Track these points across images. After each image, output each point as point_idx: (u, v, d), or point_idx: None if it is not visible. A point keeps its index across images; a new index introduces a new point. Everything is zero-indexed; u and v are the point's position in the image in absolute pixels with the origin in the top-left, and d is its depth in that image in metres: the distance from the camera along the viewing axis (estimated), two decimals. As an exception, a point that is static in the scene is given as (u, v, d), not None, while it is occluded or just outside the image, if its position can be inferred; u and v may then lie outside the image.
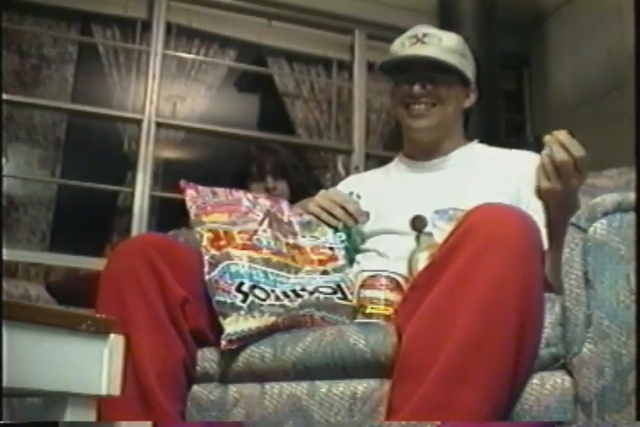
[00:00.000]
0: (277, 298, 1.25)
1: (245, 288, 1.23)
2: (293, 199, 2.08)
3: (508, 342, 0.99)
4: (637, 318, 0.98)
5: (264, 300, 1.23)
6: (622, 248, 1.02)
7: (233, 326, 1.19)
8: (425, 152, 1.57)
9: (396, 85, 1.55)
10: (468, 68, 1.54)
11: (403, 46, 1.53)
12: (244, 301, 1.21)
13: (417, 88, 1.49)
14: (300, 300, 1.27)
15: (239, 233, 1.33)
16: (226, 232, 1.33)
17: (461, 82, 1.53)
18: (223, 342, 1.19)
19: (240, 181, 2.19)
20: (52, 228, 3.54)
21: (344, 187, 1.64)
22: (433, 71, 1.49)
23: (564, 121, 3.94)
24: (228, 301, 1.22)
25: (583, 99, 3.87)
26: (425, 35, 1.51)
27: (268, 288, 1.25)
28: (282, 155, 2.28)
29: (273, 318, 1.22)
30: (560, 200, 1.19)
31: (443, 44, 1.50)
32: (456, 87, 1.52)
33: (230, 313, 1.20)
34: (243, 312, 1.20)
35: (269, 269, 1.29)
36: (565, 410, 1.01)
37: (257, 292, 1.23)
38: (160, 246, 1.29)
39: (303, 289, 1.29)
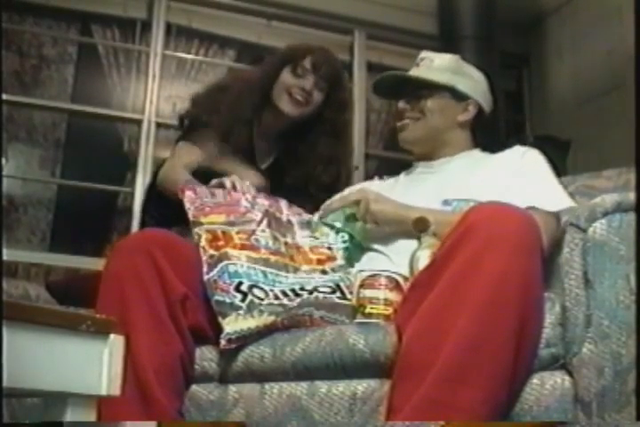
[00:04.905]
0: (276, 297, 1.25)
1: (244, 288, 1.23)
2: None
3: (508, 341, 0.99)
4: (637, 318, 0.98)
5: (263, 299, 1.23)
6: (622, 248, 1.02)
7: (232, 325, 1.19)
8: (426, 159, 1.63)
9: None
10: (460, 83, 1.60)
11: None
12: (242, 300, 1.21)
13: (401, 104, 1.61)
14: (299, 299, 1.27)
15: (237, 233, 1.33)
16: (224, 233, 1.33)
17: (454, 97, 1.60)
18: (222, 342, 1.19)
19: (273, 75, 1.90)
20: (52, 228, 3.54)
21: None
22: (419, 89, 1.59)
23: (564, 121, 3.94)
24: (227, 300, 1.21)
25: (583, 99, 3.87)
26: (422, 59, 1.64)
27: (266, 288, 1.25)
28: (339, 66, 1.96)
29: (272, 318, 1.22)
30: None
31: (433, 65, 1.62)
32: (444, 101, 1.60)
33: (229, 313, 1.20)
34: (242, 312, 1.20)
35: (268, 269, 1.29)
36: (565, 410, 1.01)
37: (256, 291, 1.23)
38: (161, 242, 1.29)
39: (302, 288, 1.29)
